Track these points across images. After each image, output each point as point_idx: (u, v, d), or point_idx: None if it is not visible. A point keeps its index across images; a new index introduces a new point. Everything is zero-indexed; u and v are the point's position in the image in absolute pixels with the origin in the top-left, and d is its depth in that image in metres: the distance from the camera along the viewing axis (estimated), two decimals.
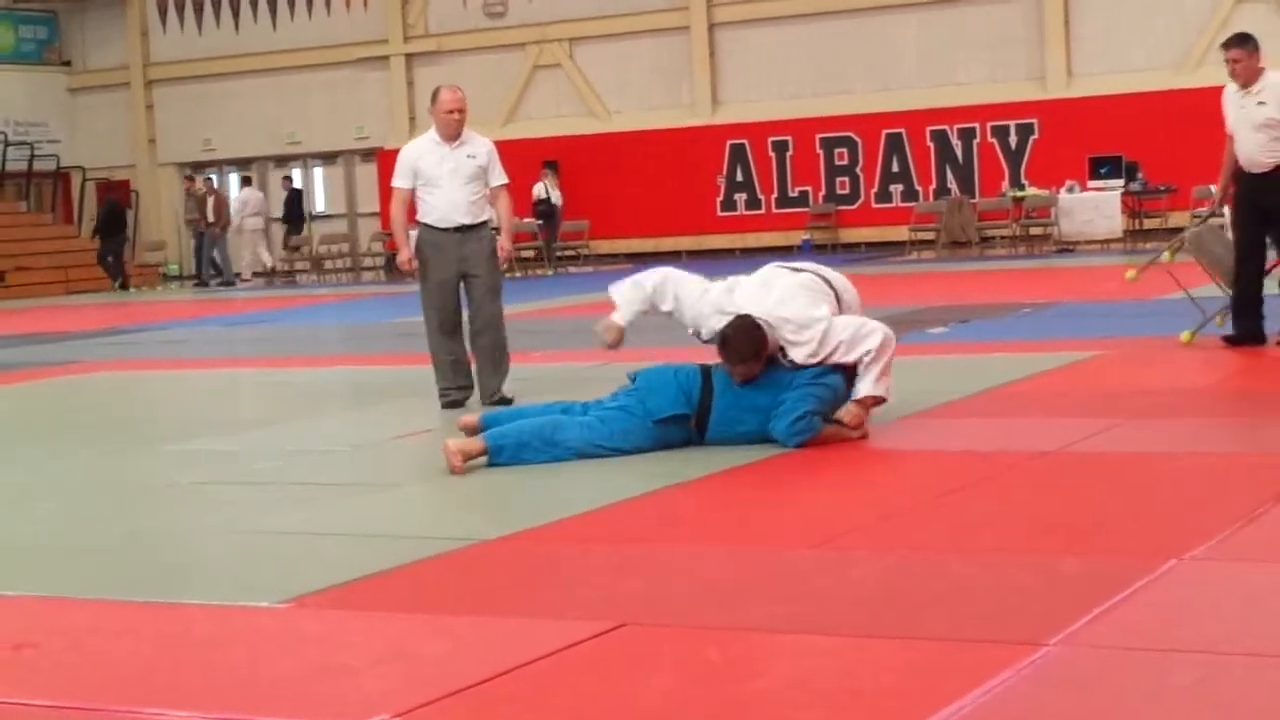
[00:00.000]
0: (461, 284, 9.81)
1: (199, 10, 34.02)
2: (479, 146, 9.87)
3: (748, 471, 7.03)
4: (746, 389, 7.49)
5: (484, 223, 9.86)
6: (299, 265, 32.12)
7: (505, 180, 9.94)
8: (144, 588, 5.36)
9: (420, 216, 9.81)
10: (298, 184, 33.11)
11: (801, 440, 7.38)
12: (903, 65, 28.29)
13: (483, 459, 7.25)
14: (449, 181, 9.69)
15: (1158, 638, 4.24)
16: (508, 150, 35.18)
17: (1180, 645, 4.16)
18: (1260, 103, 10.21)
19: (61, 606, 5.15)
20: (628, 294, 8.13)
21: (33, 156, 32.86)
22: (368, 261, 31.95)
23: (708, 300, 7.86)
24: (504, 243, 9.92)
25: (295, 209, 32.69)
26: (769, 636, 4.40)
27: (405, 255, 9.85)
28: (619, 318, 8.08)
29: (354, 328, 18.14)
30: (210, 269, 30.67)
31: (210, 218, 30.41)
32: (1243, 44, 10.31)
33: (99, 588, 5.37)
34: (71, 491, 7.52)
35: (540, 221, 28.00)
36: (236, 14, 33.66)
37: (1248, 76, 10.29)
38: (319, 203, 34.02)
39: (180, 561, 5.86)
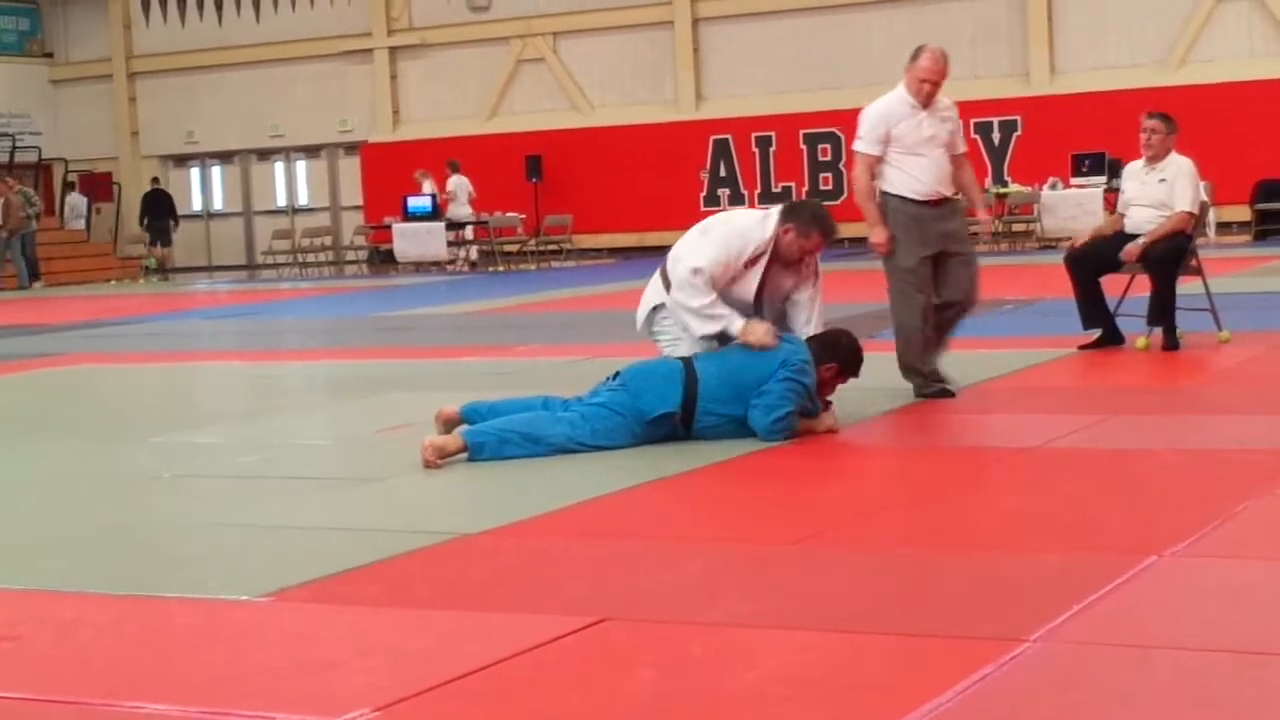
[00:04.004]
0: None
1: (182, 2, 33.97)
2: (948, 110, 8.82)
3: (729, 467, 7.04)
4: (731, 376, 7.48)
5: (957, 195, 8.92)
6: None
7: (966, 148, 9.08)
8: (126, 580, 5.35)
9: (892, 188, 8.72)
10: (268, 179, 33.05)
11: (780, 439, 7.41)
12: (886, 61, 28.26)
13: (461, 455, 7.25)
14: (928, 149, 8.67)
15: (1138, 634, 4.25)
16: (491, 145, 35.00)
17: (1160, 641, 4.17)
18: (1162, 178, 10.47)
19: (44, 599, 5.14)
20: (713, 314, 7.69)
21: (14, 148, 32.78)
22: (350, 255, 31.93)
23: (743, 235, 7.80)
24: (984, 214, 9.20)
25: (159, 209, 32.45)
26: (751, 632, 4.40)
27: (884, 234, 8.66)
28: (738, 325, 7.63)
29: (336, 321, 18.12)
30: (24, 271, 29.45)
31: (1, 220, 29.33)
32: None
33: (81, 580, 5.36)
34: (54, 484, 7.50)
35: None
36: (220, 6, 33.63)
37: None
38: (301, 196, 34.01)
39: (162, 555, 5.85)
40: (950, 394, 8.63)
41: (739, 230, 7.89)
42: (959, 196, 8.88)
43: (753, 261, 7.78)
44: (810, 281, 7.98)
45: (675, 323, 7.94)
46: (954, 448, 7.33)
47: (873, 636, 4.30)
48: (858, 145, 8.76)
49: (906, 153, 8.61)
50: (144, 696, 4.00)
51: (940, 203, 8.70)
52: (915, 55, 8.67)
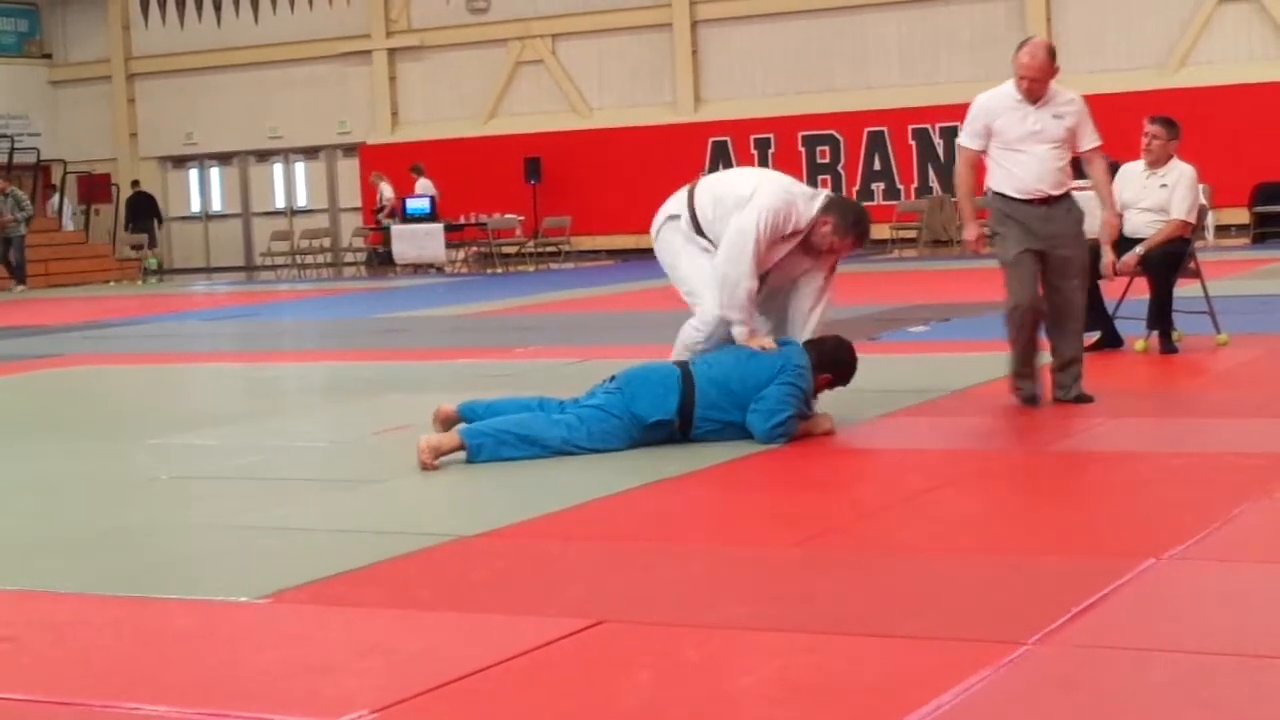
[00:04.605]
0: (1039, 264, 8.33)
1: (181, 4, 33.96)
2: (1066, 105, 8.38)
3: (727, 470, 7.04)
4: (729, 383, 7.47)
5: (1068, 194, 8.41)
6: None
7: (1098, 142, 8.46)
8: (124, 582, 5.35)
9: (994, 184, 8.39)
10: (279, 180, 33.06)
11: (780, 443, 7.40)
12: (885, 63, 28.33)
13: (458, 454, 7.24)
14: (1030, 145, 8.28)
15: (1136, 636, 4.25)
16: (490, 147, 34.98)
17: (1159, 644, 4.17)
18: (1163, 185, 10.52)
19: (41, 600, 5.14)
20: (744, 312, 7.71)
21: (13, 149, 32.78)
22: (349, 257, 31.93)
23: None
24: (1109, 216, 8.75)
25: (142, 211, 32.68)
26: (748, 634, 4.40)
27: (974, 233, 8.45)
28: (745, 334, 7.70)
29: (335, 323, 18.12)
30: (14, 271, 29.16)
31: None
32: None
33: (79, 582, 5.36)
34: (52, 485, 7.50)
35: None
36: (219, 7, 33.62)
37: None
38: (300, 197, 34.01)
39: (160, 556, 5.85)
40: (1088, 399, 8.28)
41: (789, 188, 7.88)
42: (1062, 192, 8.35)
43: (789, 238, 7.78)
44: (824, 274, 7.98)
45: (685, 240, 7.95)
46: (953, 450, 7.33)
47: (871, 639, 4.29)
48: (959, 138, 8.64)
49: (1006, 148, 8.30)
50: (142, 698, 4.00)
51: (1045, 201, 8.28)
52: (1017, 49, 8.38)
